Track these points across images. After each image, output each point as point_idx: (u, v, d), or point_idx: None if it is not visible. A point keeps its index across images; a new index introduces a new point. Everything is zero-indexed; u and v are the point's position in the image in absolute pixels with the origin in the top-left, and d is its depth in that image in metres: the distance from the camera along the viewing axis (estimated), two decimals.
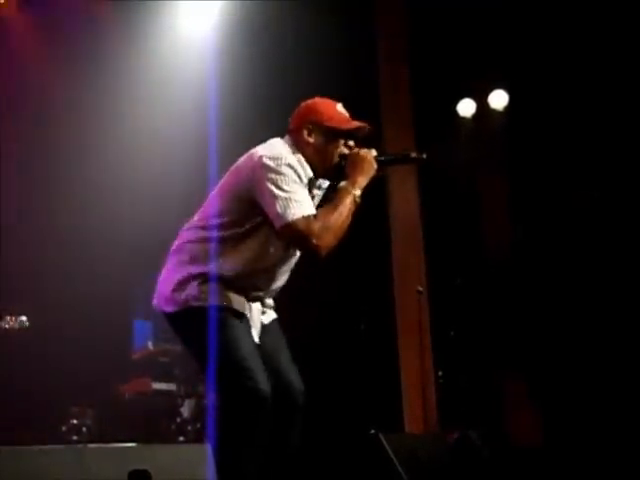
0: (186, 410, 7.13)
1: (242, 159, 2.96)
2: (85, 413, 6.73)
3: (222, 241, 2.89)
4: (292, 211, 2.73)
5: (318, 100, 3.08)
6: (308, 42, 7.80)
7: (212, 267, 2.90)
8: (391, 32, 8.29)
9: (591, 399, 7.45)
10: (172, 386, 7.19)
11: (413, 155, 3.08)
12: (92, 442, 5.57)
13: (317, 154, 2.92)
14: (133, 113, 7.64)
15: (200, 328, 2.85)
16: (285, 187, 2.76)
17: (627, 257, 7.73)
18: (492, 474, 4.79)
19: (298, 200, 2.75)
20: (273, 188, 2.76)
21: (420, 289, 6.82)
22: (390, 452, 3.52)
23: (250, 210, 2.86)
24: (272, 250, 2.92)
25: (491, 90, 8.45)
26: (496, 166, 8.65)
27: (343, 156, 2.93)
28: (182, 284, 2.96)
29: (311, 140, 2.93)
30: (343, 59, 7.90)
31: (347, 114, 3.04)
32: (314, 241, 2.73)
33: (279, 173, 2.78)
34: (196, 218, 3.07)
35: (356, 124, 2.97)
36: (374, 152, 2.94)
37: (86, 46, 7.47)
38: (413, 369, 7.24)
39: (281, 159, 2.80)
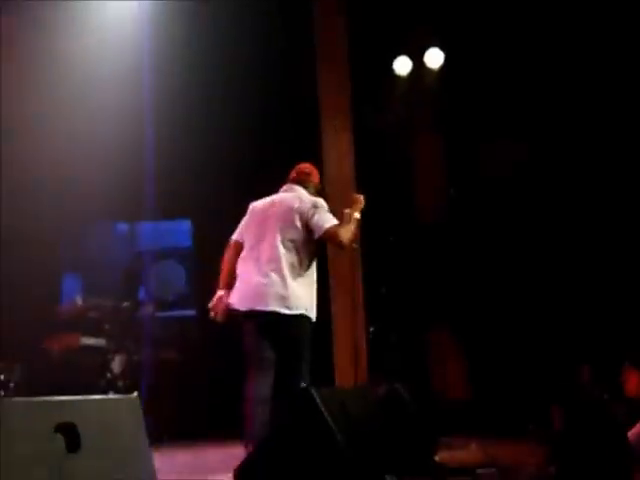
0: (116, 366, 7.07)
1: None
2: (12, 368, 6.60)
3: None
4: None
5: (311, 167, 4.87)
6: (244, 4, 7.68)
7: None
8: None
9: (514, 353, 7.68)
10: (102, 341, 7.11)
11: None
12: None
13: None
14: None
15: None
16: None
17: (553, 213, 7.92)
18: (420, 426, 4.88)
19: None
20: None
21: (354, 245, 6.82)
22: (320, 405, 3.55)
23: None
24: None
25: (427, 48, 8.44)
26: (431, 125, 8.69)
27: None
28: None
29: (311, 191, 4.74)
30: (280, 16, 7.81)
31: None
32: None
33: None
34: None
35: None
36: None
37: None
38: (345, 324, 7.31)
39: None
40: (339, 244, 4.45)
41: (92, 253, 8.77)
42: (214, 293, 4.58)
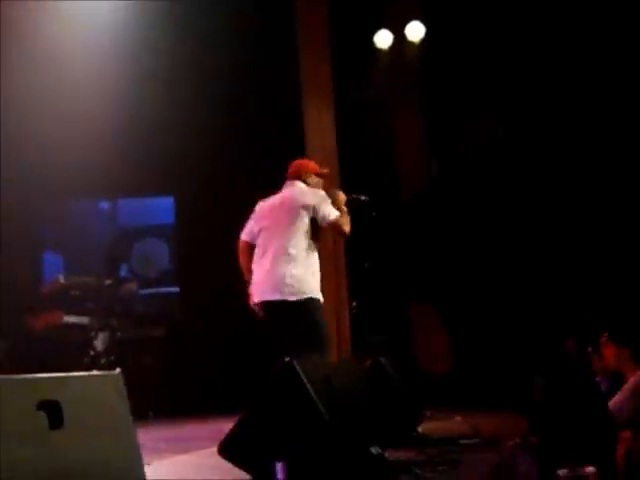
0: (100, 343, 7.07)
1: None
2: None
3: None
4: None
5: (304, 161, 5.31)
6: None
7: None
8: None
9: (498, 326, 7.74)
10: (85, 319, 7.10)
11: (362, 198, 5.16)
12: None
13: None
14: None
15: None
16: None
17: (534, 189, 7.95)
18: (404, 399, 4.91)
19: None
20: None
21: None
22: (304, 378, 3.56)
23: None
24: None
25: (408, 22, 8.39)
26: (412, 98, 8.67)
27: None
28: None
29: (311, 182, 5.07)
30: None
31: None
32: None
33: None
34: None
35: (326, 171, 5.27)
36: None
37: None
38: (328, 299, 7.31)
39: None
40: (342, 233, 4.92)
41: (74, 231, 8.72)
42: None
